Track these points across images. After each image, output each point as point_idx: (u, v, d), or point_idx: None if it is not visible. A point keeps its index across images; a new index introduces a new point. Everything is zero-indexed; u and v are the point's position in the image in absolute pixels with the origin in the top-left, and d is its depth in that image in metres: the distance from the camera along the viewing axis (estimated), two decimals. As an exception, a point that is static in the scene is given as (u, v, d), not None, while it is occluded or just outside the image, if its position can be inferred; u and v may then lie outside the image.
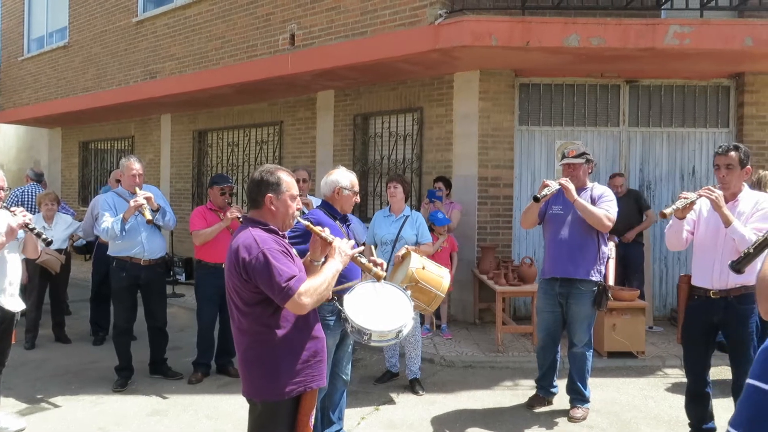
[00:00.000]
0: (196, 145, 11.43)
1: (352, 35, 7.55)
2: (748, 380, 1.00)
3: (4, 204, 4.11)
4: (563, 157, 4.65)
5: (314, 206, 4.55)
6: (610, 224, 4.39)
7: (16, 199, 7.52)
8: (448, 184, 7.29)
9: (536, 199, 4.34)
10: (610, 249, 4.62)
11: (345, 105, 8.93)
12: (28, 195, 7.59)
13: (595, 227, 4.40)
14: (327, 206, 3.86)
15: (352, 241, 2.90)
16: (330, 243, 2.79)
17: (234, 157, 10.83)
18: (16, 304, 4.20)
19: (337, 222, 3.77)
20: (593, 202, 4.45)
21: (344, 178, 3.85)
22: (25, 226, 3.97)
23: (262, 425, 2.66)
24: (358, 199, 3.93)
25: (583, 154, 4.59)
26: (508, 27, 6.32)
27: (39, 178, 8.06)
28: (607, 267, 4.57)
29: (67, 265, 6.84)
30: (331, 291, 2.69)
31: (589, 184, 4.62)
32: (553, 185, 4.32)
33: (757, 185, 4.83)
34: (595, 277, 4.47)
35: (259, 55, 8.70)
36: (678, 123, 7.72)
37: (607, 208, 4.41)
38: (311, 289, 2.53)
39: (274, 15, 8.54)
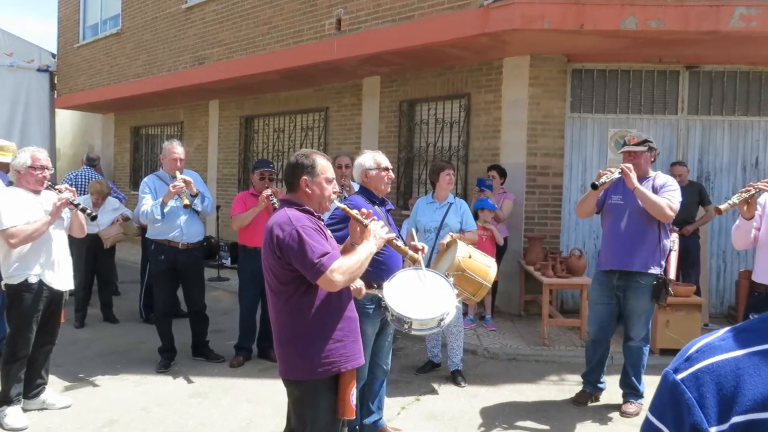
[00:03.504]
0: (243, 130, 11.51)
1: (399, 19, 7.41)
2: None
3: (50, 183, 4.15)
4: (624, 144, 4.44)
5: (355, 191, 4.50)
6: (673, 214, 4.17)
7: (69, 182, 7.69)
8: (502, 173, 7.05)
9: (594, 186, 4.12)
10: (672, 241, 4.40)
11: (391, 91, 8.81)
12: (81, 178, 7.78)
13: (655, 217, 4.18)
14: (364, 191, 3.81)
15: (387, 227, 2.85)
16: (365, 226, 2.75)
17: (280, 143, 10.86)
18: (64, 283, 4.25)
19: (376, 206, 3.68)
20: (655, 191, 4.23)
21: (367, 159, 3.80)
22: (69, 203, 4.01)
23: (302, 406, 2.67)
24: (391, 175, 3.84)
25: (646, 141, 4.36)
26: (561, 9, 6.08)
27: (92, 163, 8.23)
28: (668, 260, 4.36)
29: (111, 247, 6.97)
30: (363, 271, 2.65)
31: (652, 173, 4.40)
32: (614, 172, 4.13)
33: None
34: (655, 270, 4.26)
35: (305, 40, 8.65)
36: (741, 111, 7.32)
37: (669, 198, 4.18)
38: (344, 266, 2.52)
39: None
